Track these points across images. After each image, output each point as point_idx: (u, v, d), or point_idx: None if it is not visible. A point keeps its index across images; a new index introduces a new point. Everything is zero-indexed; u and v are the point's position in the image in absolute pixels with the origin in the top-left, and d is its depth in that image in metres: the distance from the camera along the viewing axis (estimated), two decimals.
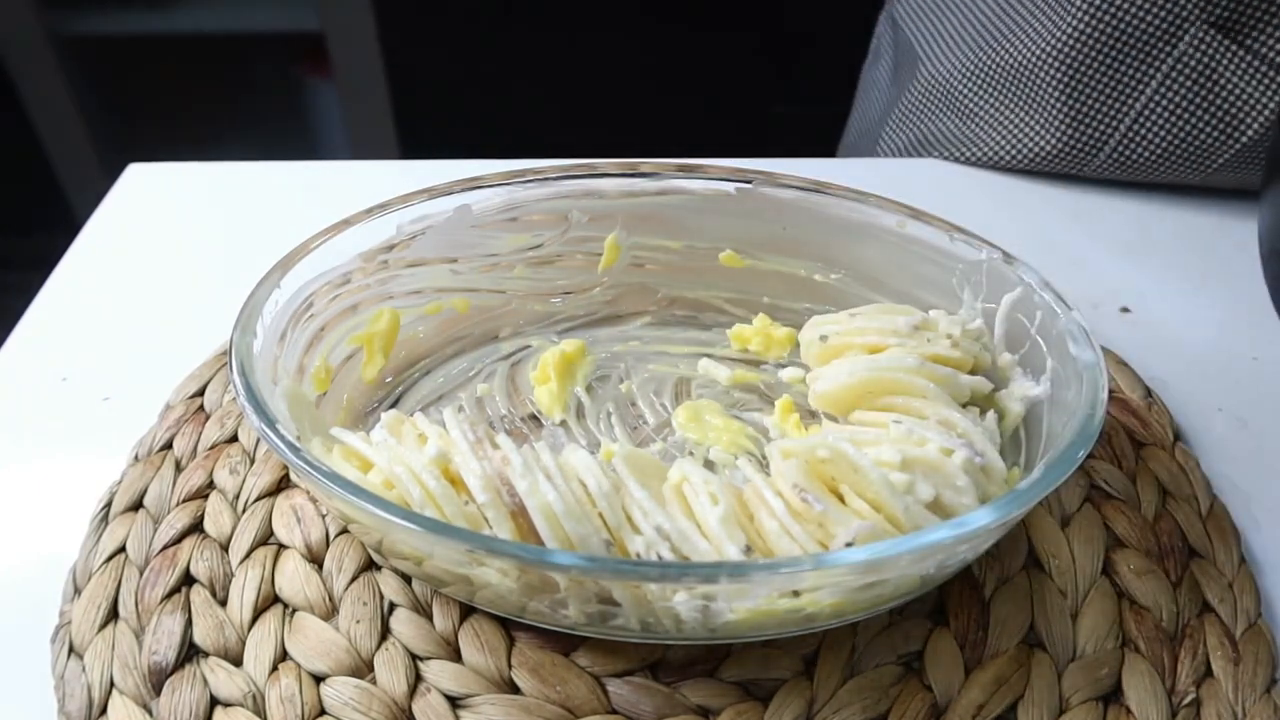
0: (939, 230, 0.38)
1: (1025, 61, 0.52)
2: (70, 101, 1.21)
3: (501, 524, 0.29)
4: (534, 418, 0.40)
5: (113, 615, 0.33)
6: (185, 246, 0.51)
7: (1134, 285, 0.49)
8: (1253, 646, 0.33)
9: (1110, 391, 0.40)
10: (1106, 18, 0.47)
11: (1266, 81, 0.45)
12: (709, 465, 0.37)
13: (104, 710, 0.31)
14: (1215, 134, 0.48)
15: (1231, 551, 0.36)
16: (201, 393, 0.41)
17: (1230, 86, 0.46)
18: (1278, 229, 0.43)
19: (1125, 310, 0.48)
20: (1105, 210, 0.54)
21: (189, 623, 0.32)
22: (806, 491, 0.29)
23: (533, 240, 0.42)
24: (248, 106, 1.34)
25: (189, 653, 0.32)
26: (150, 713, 0.31)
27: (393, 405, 0.39)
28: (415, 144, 1.28)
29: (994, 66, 0.55)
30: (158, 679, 0.31)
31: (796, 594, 0.28)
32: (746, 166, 0.41)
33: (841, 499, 0.30)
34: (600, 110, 1.28)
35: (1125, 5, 0.46)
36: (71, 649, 0.32)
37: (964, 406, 0.35)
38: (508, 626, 0.32)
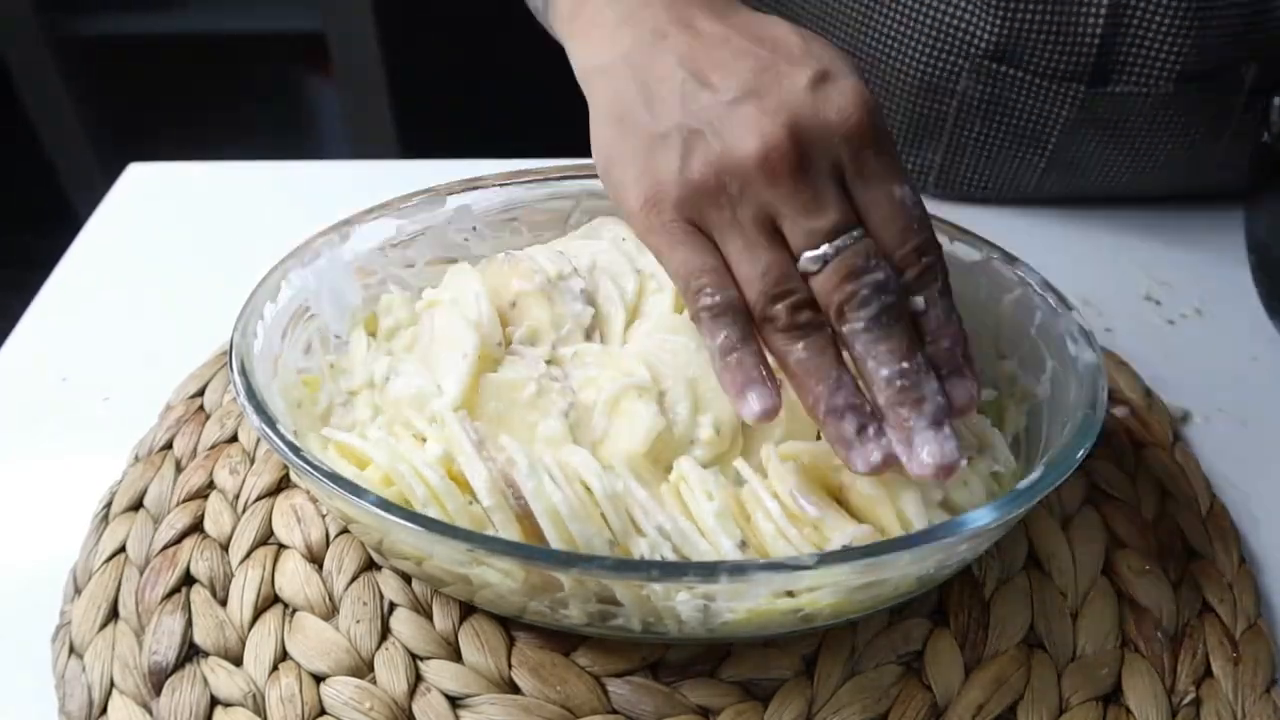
0: (939, 230, 0.38)
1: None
2: (70, 101, 1.21)
3: (508, 527, 0.28)
4: None
5: (113, 615, 0.33)
6: (185, 246, 0.51)
7: (1134, 285, 0.49)
8: (1253, 646, 0.33)
9: (1110, 391, 0.40)
10: (899, 69, 0.49)
11: (1051, 92, 0.46)
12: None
13: (104, 710, 0.31)
14: (1024, 150, 0.50)
15: (1231, 552, 0.36)
16: (201, 393, 0.41)
17: (1021, 105, 0.48)
18: (1265, 238, 0.43)
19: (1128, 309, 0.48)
20: (1105, 210, 0.54)
21: (189, 623, 0.32)
22: (803, 496, 0.29)
23: (533, 240, 0.41)
24: (248, 106, 1.33)
25: (189, 653, 0.32)
26: (150, 713, 0.31)
27: None
28: (415, 144, 1.28)
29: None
30: (158, 679, 0.31)
31: (791, 594, 0.28)
32: None
33: (840, 501, 0.30)
34: None
35: (907, 57, 0.48)
36: (72, 649, 0.32)
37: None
38: (508, 626, 0.32)
